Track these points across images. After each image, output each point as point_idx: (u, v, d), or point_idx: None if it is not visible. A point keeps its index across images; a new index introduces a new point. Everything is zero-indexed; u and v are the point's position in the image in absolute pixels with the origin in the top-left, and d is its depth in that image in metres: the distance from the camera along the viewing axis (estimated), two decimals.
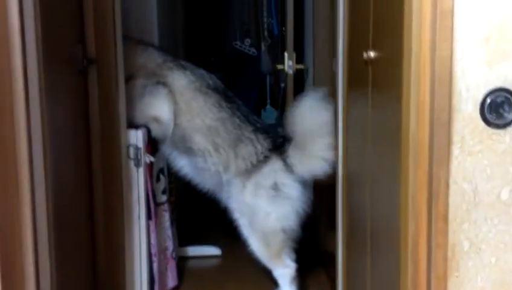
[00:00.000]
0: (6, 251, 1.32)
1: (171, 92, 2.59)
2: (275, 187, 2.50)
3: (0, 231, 1.29)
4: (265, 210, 2.52)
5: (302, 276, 2.71)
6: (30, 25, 1.41)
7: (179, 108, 2.59)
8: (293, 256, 2.61)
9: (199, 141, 2.59)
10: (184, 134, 2.60)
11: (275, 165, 2.53)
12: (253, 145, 2.56)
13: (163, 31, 3.26)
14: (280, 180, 2.52)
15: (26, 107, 1.38)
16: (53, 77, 1.64)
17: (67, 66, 1.93)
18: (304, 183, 2.57)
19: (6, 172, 1.33)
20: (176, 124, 2.60)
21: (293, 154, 2.53)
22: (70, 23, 2.01)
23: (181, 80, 2.62)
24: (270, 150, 2.56)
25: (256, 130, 2.60)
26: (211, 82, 2.66)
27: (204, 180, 2.69)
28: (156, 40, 3.04)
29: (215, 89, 2.65)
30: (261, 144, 2.56)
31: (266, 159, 2.55)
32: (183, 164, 2.70)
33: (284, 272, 2.59)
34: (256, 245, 2.57)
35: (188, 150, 2.62)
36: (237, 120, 2.60)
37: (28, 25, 1.39)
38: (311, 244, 3.25)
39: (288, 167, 2.52)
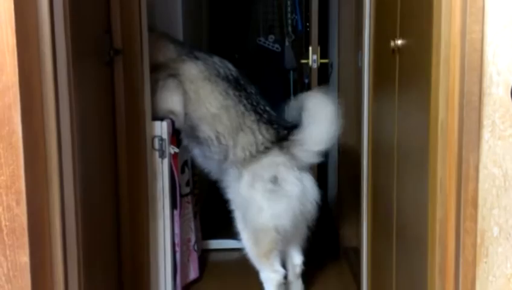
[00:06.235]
0: (35, 237, 1.33)
1: (181, 82, 2.57)
2: (274, 181, 2.37)
3: (30, 216, 1.30)
4: (260, 205, 2.39)
5: (324, 270, 2.65)
6: (59, 15, 1.41)
7: (188, 97, 2.55)
8: (281, 262, 2.49)
9: (204, 129, 2.54)
10: (192, 123, 2.57)
11: (276, 158, 2.40)
12: (253, 135, 2.46)
13: (187, 28, 3.28)
14: (281, 175, 2.38)
15: (55, 98, 1.39)
16: (81, 67, 1.65)
17: (94, 56, 1.94)
18: (306, 180, 2.41)
19: (36, 163, 1.34)
20: (185, 114, 2.57)
21: (296, 138, 2.37)
22: (98, 14, 2.02)
23: (192, 69, 2.58)
24: (272, 142, 2.43)
25: (260, 120, 2.48)
26: (221, 70, 2.60)
27: (212, 169, 2.64)
28: (180, 36, 3.06)
29: (225, 78, 2.58)
30: (262, 135, 2.45)
31: (267, 150, 2.42)
32: (196, 154, 2.68)
33: (271, 276, 2.46)
34: (246, 241, 2.47)
35: (196, 139, 2.59)
36: (242, 108, 2.51)
37: (57, 15, 1.40)
38: (334, 240, 3.24)
39: (292, 162, 2.38)
